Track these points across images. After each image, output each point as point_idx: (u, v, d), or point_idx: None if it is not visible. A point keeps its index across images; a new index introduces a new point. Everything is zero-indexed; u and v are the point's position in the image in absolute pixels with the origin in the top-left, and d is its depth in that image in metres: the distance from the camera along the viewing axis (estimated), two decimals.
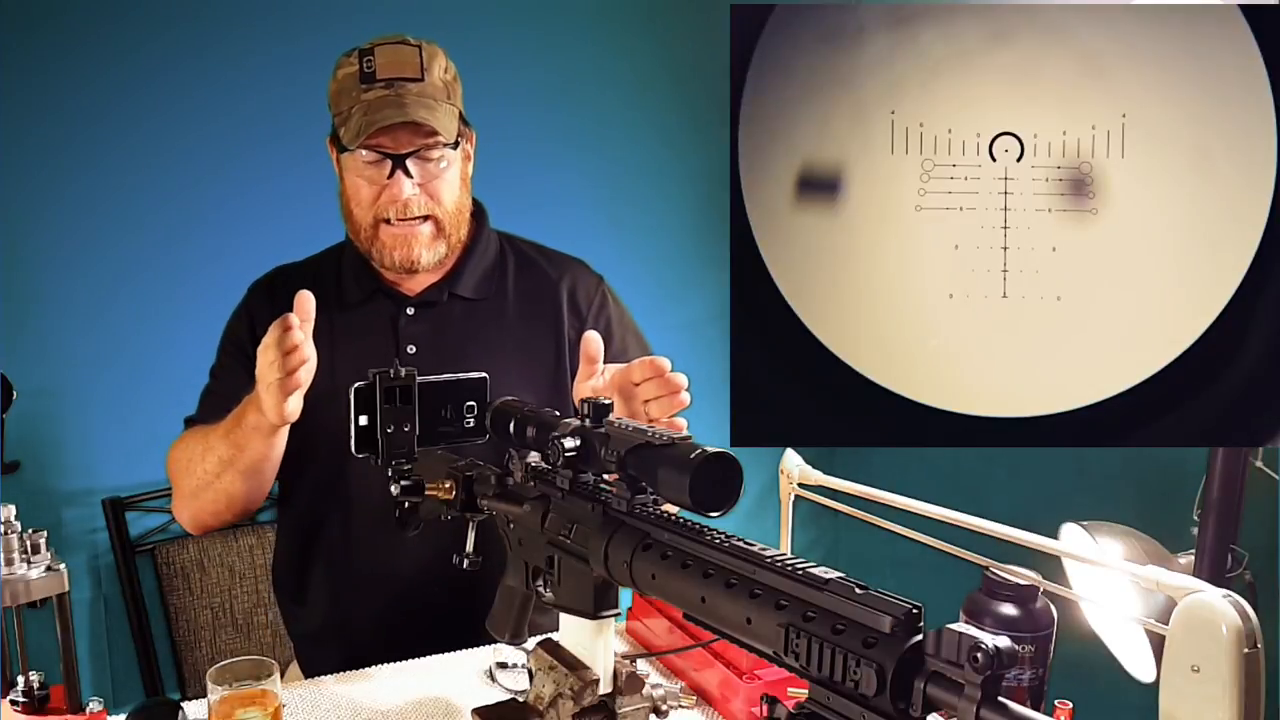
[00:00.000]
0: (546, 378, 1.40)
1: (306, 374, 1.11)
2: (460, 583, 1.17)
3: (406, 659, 1.25)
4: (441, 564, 1.12)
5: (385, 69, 1.29)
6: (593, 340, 1.20)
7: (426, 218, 1.32)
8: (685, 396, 1.13)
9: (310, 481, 1.39)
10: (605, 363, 1.42)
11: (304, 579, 1.43)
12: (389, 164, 1.29)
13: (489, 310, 1.41)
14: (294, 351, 1.09)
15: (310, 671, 1.40)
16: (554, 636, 1.00)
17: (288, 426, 1.19)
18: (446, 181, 1.33)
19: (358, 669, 1.23)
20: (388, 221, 1.31)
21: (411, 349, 1.37)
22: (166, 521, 1.97)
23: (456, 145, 1.33)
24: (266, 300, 1.41)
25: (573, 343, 1.42)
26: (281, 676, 1.01)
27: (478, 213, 1.44)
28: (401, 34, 1.32)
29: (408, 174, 1.29)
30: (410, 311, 1.38)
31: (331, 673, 1.22)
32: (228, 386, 1.37)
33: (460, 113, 1.35)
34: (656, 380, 1.13)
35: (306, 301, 1.12)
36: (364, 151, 1.29)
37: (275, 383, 1.10)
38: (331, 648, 1.39)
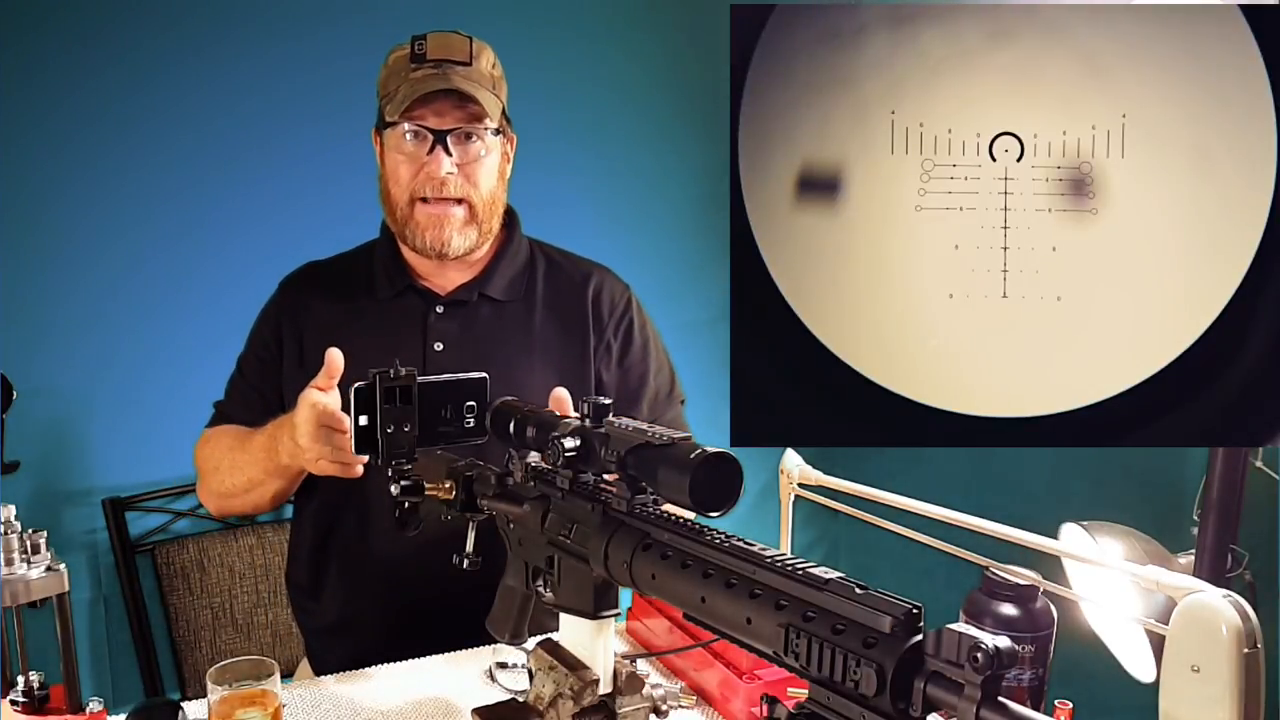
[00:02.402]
0: (571, 381, 1.40)
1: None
2: (460, 582, 1.17)
3: (409, 658, 1.25)
4: (443, 564, 1.12)
5: (435, 51, 1.31)
6: (561, 399, 1.18)
7: (461, 200, 1.33)
8: None
9: (329, 478, 1.39)
10: (620, 370, 1.43)
11: (320, 575, 1.44)
12: (429, 141, 1.30)
13: (517, 312, 1.42)
14: (351, 465, 1.14)
15: (321, 668, 1.41)
16: (554, 636, 1.00)
17: None
18: (485, 167, 1.34)
19: (363, 667, 1.23)
20: (424, 201, 1.32)
21: (439, 346, 1.38)
22: (167, 521, 1.97)
23: (498, 133, 1.35)
24: (293, 298, 1.44)
25: (595, 348, 1.43)
26: (290, 675, 1.01)
27: (510, 217, 1.45)
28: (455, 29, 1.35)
29: (447, 152, 1.30)
30: (440, 309, 1.40)
31: (339, 670, 1.23)
32: (251, 386, 1.44)
33: (504, 108, 1.37)
34: None
35: (337, 359, 1.14)
36: (406, 126, 1.30)
37: (334, 464, 1.15)
38: (341, 645, 1.39)
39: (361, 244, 1.48)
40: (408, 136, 1.31)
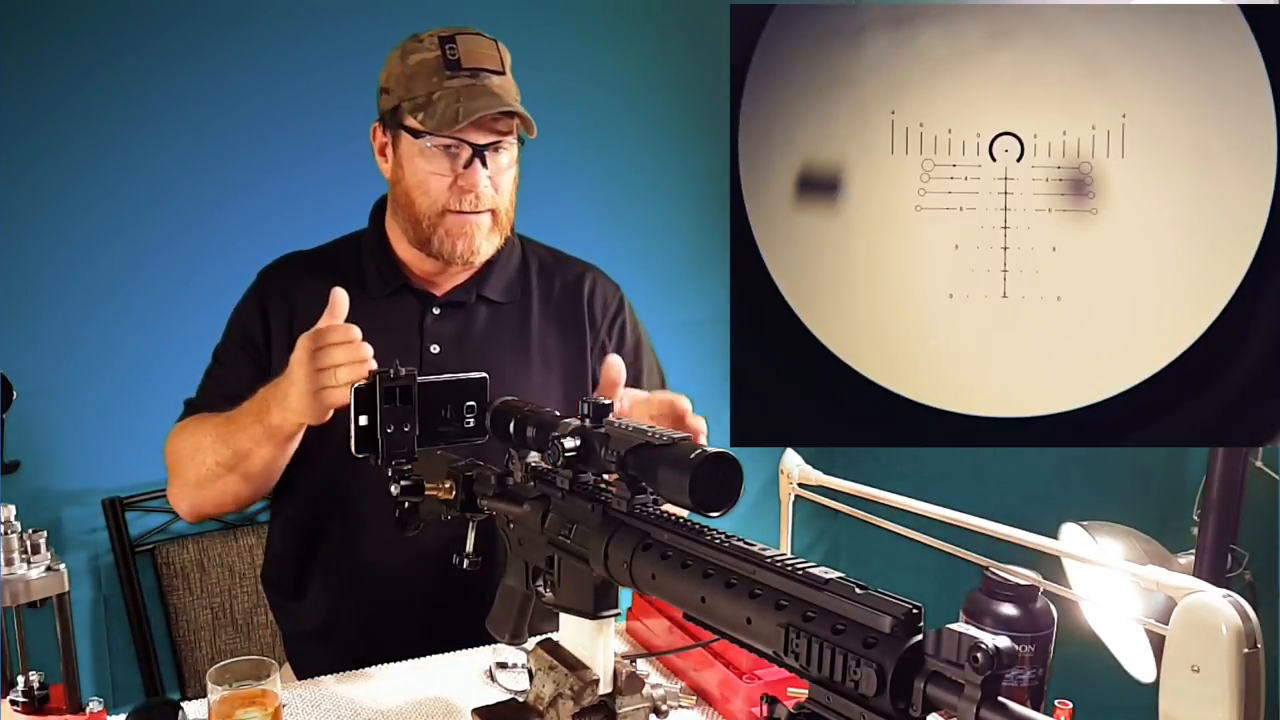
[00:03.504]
0: (569, 382, 1.40)
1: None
2: (460, 583, 1.17)
3: (406, 659, 1.25)
4: (441, 564, 1.12)
5: (469, 58, 1.29)
6: (615, 365, 1.16)
7: (489, 210, 1.32)
8: (702, 441, 1.08)
9: (315, 477, 1.38)
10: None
11: (303, 575, 1.42)
12: (466, 154, 1.28)
13: (514, 313, 1.41)
14: (362, 363, 1.08)
15: (305, 672, 1.38)
16: (554, 636, 1.00)
17: (304, 428, 1.19)
18: (508, 176, 1.34)
19: (355, 669, 1.23)
20: (454, 211, 1.30)
21: (435, 348, 1.36)
22: (166, 521, 1.97)
23: (524, 142, 1.34)
24: (279, 288, 1.40)
25: (591, 349, 1.42)
26: None
27: None
28: (474, 27, 1.33)
29: (485, 165, 1.29)
30: (436, 311, 1.38)
31: (327, 672, 1.22)
32: (231, 375, 1.38)
33: None
34: (673, 421, 1.09)
35: (343, 299, 1.11)
36: (432, 139, 1.27)
37: (330, 389, 1.09)
38: (329, 646, 1.38)
39: (345, 236, 1.45)
40: (438, 148, 1.28)
